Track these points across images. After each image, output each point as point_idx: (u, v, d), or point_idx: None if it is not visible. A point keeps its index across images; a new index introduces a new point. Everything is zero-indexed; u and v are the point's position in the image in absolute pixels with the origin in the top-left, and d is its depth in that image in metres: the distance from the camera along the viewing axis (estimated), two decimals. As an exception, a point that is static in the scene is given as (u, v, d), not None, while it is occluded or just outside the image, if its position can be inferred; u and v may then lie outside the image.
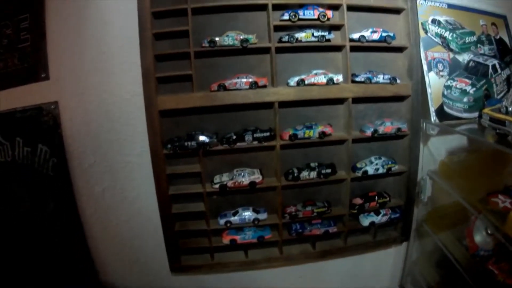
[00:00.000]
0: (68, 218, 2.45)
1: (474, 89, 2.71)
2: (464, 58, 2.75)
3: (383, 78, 2.44)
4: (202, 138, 2.31)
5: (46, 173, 2.37)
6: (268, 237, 2.47)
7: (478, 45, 2.83)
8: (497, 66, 2.86)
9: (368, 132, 2.44)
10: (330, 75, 2.38)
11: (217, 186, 2.35)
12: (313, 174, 2.40)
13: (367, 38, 2.43)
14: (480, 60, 2.81)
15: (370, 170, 2.47)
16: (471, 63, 2.76)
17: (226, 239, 2.45)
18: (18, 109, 2.33)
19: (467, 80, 2.72)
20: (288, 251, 2.59)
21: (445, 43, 2.69)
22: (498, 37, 2.90)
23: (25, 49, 2.34)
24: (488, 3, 2.90)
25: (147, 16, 2.22)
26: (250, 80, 2.30)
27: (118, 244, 2.60)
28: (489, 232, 2.41)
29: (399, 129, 2.49)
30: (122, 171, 2.49)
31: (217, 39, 2.28)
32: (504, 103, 2.19)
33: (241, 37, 2.28)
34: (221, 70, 2.38)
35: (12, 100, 2.33)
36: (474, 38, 2.78)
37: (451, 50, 2.70)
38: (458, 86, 2.67)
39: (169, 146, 2.30)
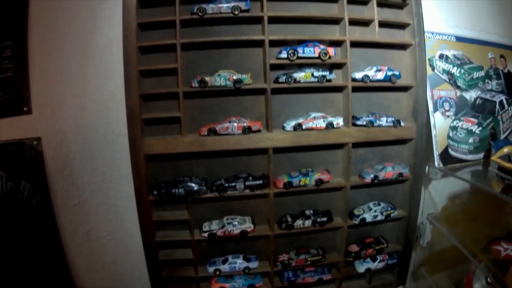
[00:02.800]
0: (52, 258, 2.32)
1: (480, 128, 2.58)
2: (471, 95, 2.60)
3: (386, 121, 2.28)
4: (190, 185, 2.15)
5: (29, 211, 2.22)
6: (259, 286, 2.36)
7: (486, 80, 2.68)
8: (504, 102, 2.72)
9: (368, 179, 2.29)
10: (330, 118, 2.22)
11: (206, 234, 2.21)
12: (308, 223, 2.27)
13: (371, 78, 2.25)
14: (488, 96, 2.66)
15: (368, 217, 2.34)
16: (478, 101, 2.61)
17: (215, 287, 2.32)
18: (0, 142, 2.16)
19: (473, 120, 2.58)
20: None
21: (452, 80, 2.53)
22: (506, 70, 2.74)
23: (7, 79, 2.18)
24: (498, 33, 2.73)
25: (133, 51, 2.04)
26: (243, 124, 2.13)
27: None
28: (489, 281, 2.31)
29: (400, 174, 2.35)
30: (107, 213, 2.37)
31: (207, 79, 2.10)
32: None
33: (234, 77, 2.09)
34: (212, 111, 2.22)
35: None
36: (482, 73, 2.63)
37: (458, 87, 2.55)
38: (464, 126, 2.54)
39: (155, 192, 2.14)
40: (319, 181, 2.25)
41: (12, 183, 2.20)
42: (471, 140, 2.54)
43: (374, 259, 2.48)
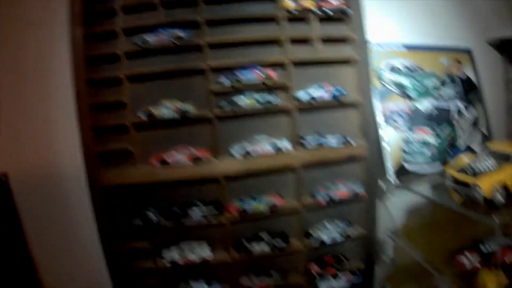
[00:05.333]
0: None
1: (438, 140, 2.54)
2: (425, 105, 2.56)
3: (336, 142, 2.26)
4: (150, 215, 2.15)
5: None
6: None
7: (440, 88, 2.64)
8: (462, 108, 2.68)
9: (322, 200, 2.27)
10: (275, 141, 2.20)
11: (168, 264, 2.19)
12: (265, 246, 2.24)
13: (317, 98, 2.23)
14: (443, 105, 2.62)
15: (326, 238, 2.32)
16: (432, 110, 2.57)
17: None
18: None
19: (429, 130, 2.54)
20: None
21: (403, 92, 2.50)
22: (462, 75, 2.71)
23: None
24: (451, 37, 2.70)
25: (82, 87, 2.07)
26: (192, 154, 2.13)
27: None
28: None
29: (356, 195, 2.32)
30: (78, 248, 2.40)
31: (153, 111, 2.08)
32: (471, 163, 2.01)
33: (180, 108, 2.09)
34: (161, 141, 2.23)
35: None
36: (435, 81, 2.59)
37: (410, 98, 2.51)
38: (418, 138, 2.49)
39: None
40: (274, 207, 2.22)
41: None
42: (428, 152, 2.52)
43: (336, 278, 2.44)
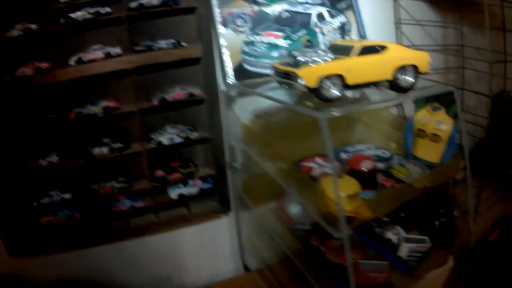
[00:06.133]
0: None
1: (289, 41, 2.51)
2: (274, 10, 2.54)
3: (166, 43, 2.34)
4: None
5: None
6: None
7: (298, -8, 2.60)
8: (325, 14, 2.62)
9: (156, 102, 2.35)
10: (109, 49, 2.34)
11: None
12: (105, 149, 2.37)
13: (145, 4, 2.35)
14: (299, 9, 2.58)
15: (164, 140, 2.38)
16: (284, 14, 2.55)
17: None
18: None
19: (277, 33, 2.52)
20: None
21: (248, -5, 2.50)
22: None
23: None
24: None
25: None
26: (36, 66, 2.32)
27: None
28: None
29: (191, 95, 2.37)
30: None
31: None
32: (299, 56, 1.87)
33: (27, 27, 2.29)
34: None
35: None
36: (290, -15, 2.55)
37: (255, 2, 2.51)
38: (264, 40, 2.48)
39: None
40: (107, 109, 2.36)
41: None
42: (275, 54, 2.49)
43: (186, 184, 2.49)
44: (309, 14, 2.56)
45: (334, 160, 1.58)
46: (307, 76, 1.75)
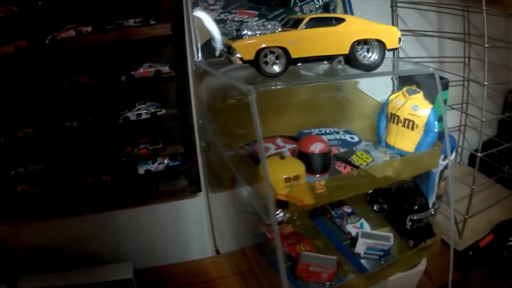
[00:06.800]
0: None
1: (263, 20, 2.46)
2: (249, -14, 2.49)
3: (134, 22, 2.38)
4: None
5: None
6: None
7: (278, -29, 2.53)
8: (305, -6, 2.53)
9: (124, 78, 2.40)
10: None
11: None
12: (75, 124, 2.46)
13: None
14: (275, -13, 2.52)
15: (132, 116, 2.43)
16: (257, -10, 2.49)
17: None
18: None
19: (252, 12, 2.48)
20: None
21: (221, -27, 2.48)
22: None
23: None
24: None
25: None
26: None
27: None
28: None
29: (159, 72, 2.40)
30: None
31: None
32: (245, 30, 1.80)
33: None
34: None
35: None
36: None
37: (229, -20, 2.48)
38: (236, 19, 2.45)
39: None
40: (76, 83, 2.44)
41: None
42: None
43: (154, 162, 2.52)
44: (287, -7, 2.46)
45: (261, 139, 1.49)
46: (243, 49, 1.67)
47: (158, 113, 2.43)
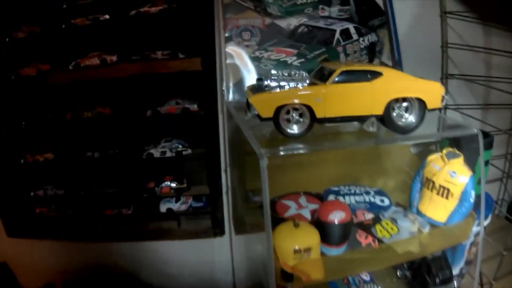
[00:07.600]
0: None
1: (302, 60, 2.26)
2: (290, 23, 2.28)
3: (162, 54, 2.22)
4: None
5: None
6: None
7: (320, 6, 2.30)
8: (352, 30, 2.31)
9: (149, 113, 2.27)
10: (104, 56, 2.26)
11: None
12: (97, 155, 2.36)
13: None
14: (320, 24, 2.30)
15: (156, 153, 2.31)
16: (300, 29, 2.29)
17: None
18: None
19: (290, 50, 2.27)
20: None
21: (261, 7, 2.26)
22: (360, -7, 2.31)
23: None
24: None
25: None
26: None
27: None
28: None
29: (187, 109, 2.25)
30: None
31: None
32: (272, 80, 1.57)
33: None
34: None
35: None
36: (312, -4, 2.26)
37: (269, 14, 2.26)
38: (273, 57, 2.25)
39: None
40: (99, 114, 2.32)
41: None
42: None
43: (178, 200, 2.42)
44: (333, 31, 2.24)
45: (268, 206, 1.33)
46: (261, 105, 1.48)
47: (184, 153, 2.29)
